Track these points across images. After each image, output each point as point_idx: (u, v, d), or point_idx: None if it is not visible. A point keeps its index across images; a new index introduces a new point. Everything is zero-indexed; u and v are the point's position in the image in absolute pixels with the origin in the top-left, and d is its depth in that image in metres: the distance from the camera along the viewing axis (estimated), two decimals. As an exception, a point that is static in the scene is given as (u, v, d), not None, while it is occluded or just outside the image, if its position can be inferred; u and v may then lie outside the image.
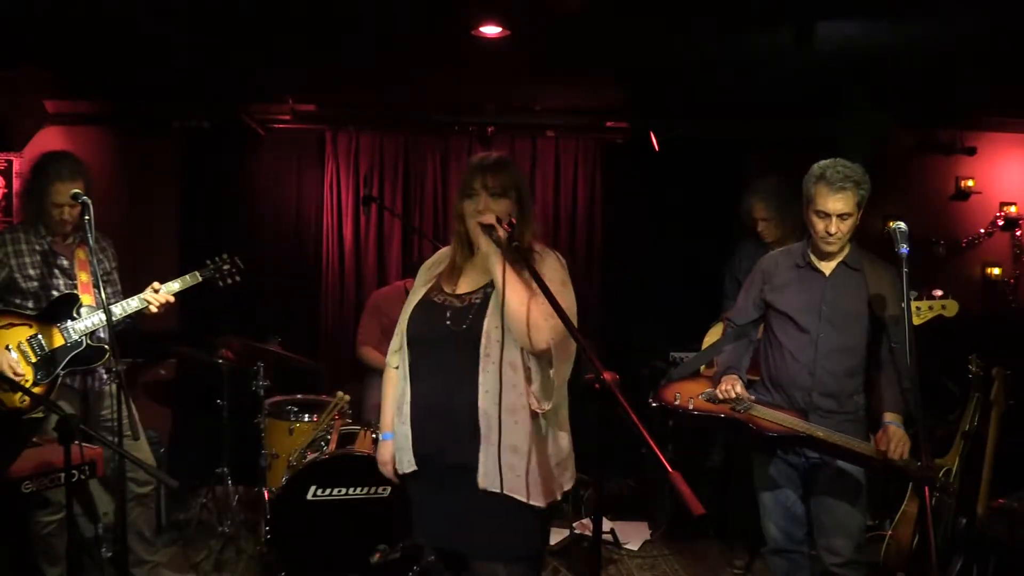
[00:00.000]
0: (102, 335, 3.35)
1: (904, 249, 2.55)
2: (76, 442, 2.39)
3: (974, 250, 5.73)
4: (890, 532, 3.57)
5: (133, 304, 3.34)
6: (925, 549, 3.27)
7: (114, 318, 3.21)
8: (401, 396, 2.41)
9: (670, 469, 1.68)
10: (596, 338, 5.51)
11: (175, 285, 3.43)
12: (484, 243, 2.29)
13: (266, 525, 3.76)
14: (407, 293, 2.57)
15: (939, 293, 3.47)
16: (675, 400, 3.01)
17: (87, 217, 3.04)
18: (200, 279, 3.52)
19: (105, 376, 3.44)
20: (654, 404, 3.05)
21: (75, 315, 3.29)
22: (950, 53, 4.10)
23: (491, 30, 3.80)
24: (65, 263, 3.37)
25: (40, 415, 3.00)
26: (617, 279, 5.66)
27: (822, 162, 2.87)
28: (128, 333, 3.43)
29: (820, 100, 4.76)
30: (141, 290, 3.38)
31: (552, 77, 4.78)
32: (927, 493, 2.56)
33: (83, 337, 3.28)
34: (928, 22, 3.69)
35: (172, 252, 5.21)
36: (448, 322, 2.33)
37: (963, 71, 4.45)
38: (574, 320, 2.19)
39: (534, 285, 2.19)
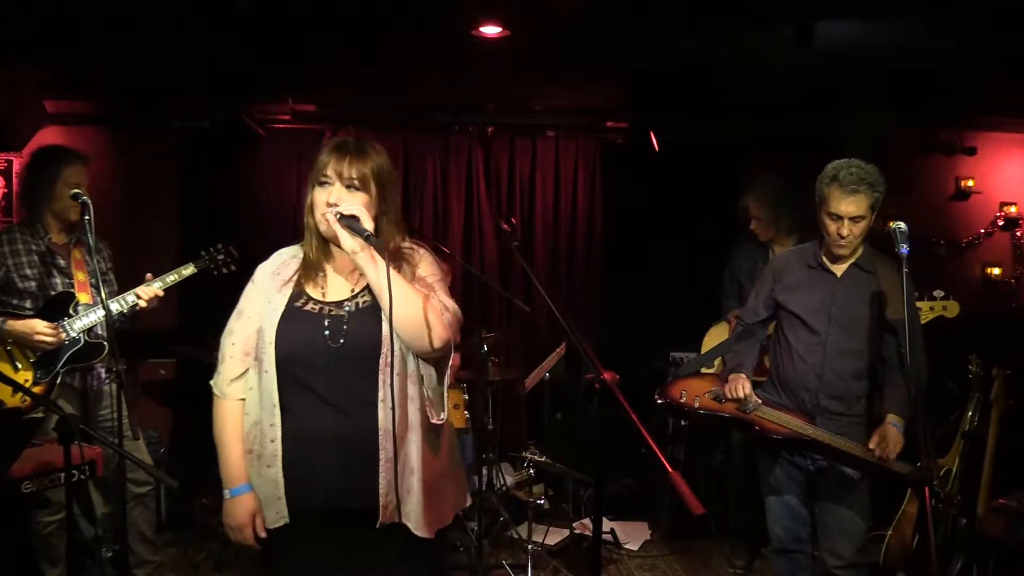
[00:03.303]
0: (100, 332, 3.35)
1: (904, 249, 2.54)
2: (76, 442, 2.39)
3: (974, 250, 5.73)
4: (890, 532, 3.58)
5: (129, 299, 3.33)
6: (925, 549, 3.27)
7: (112, 315, 3.21)
8: (256, 435, 1.99)
9: (670, 469, 1.68)
10: (596, 338, 5.52)
11: (170, 277, 3.42)
12: (348, 240, 1.94)
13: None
14: None
15: (940, 294, 3.48)
16: (680, 397, 3.00)
17: (87, 217, 3.04)
18: (195, 270, 3.51)
19: (104, 375, 3.44)
20: (660, 401, 3.05)
21: (72, 313, 3.29)
22: (950, 53, 4.10)
23: (491, 30, 3.80)
24: (62, 263, 3.37)
25: (40, 415, 2.99)
26: (617, 279, 5.66)
27: (836, 162, 2.83)
28: (127, 333, 3.43)
29: (820, 100, 4.77)
30: (140, 291, 3.38)
31: (552, 77, 4.78)
32: (927, 493, 2.56)
33: (81, 334, 3.28)
34: (928, 22, 3.69)
35: (172, 252, 5.20)
36: (327, 334, 1.96)
37: (963, 71, 4.45)
38: (456, 322, 2.06)
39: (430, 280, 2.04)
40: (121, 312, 3.32)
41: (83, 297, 3.34)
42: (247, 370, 2.04)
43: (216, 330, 2.17)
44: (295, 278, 2.06)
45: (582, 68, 4.56)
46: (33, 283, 3.29)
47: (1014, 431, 3.52)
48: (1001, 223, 5.71)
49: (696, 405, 2.98)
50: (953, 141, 5.68)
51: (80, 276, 3.38)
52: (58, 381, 3.24)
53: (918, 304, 3.39)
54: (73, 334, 3.27)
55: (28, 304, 3.29)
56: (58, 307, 3.28)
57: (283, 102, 5.25)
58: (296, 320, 1.99)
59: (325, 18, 3.68)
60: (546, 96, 5.28)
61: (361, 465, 1.94)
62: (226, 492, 2.02)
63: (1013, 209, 5.69)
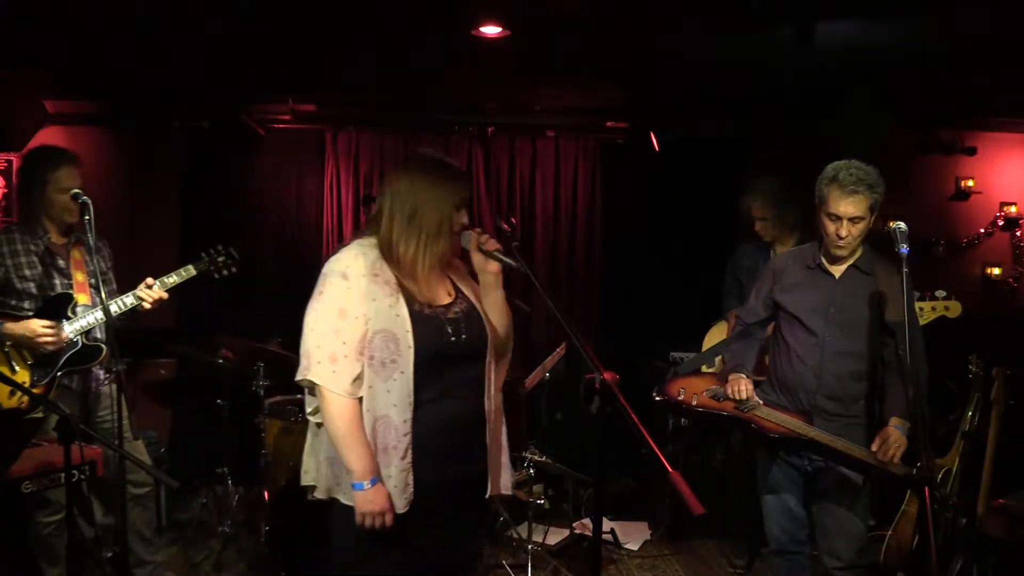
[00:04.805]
0: (98, 334, 3.34)
1: (904, 249, 2.54)
2: (76, 442, 2.39)
3: (974, 250, 5.73)
4: (890, 532, 3.58)
5: (128, 301, 3.33)
6: (925, 549, 3.27)
7: (112, 316, 3.21)
8: (383, 430, 2.15)
9: (670, 469, 1.68)
10: (596, 338, 5.52)
11: (171, 279, 3.42)
12: (486, 262, 2.31)
13: (266, 525, 3.76)
14: None
15: (942, 294, 3.47)
16: (679, 395, 3.00)
17: (87, 217, 3.04)
18: (195, 272, 3.51)
19: (103, 376, 3.44)
20: (658, 398, 3.04)
21: (70, 314, 3.28)
22: (950, 53, 4.10)
23: (491, 30, 3.80)
24: (61, 263, 3.36)
25: (40, 415, 2.99)
26: (617, 279, 5.66)
27: (836, 163, 2.82)
28: (127, 333, 3.42)
29: (820, 100, 4.77)
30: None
31: (552, 77, 4.78)
32: (927, 493, 2.56)
33: (79, 336, 3.28)
34: (928, 22, 3.69)
35: (172, 252, 5.20)
36: (452, 337, 2.24)
37: (963, 71, 4.45)
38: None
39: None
40: (121, 312, 3.32)
41: (81, 298, 3.34)
42: (362, 368, 2.15)
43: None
44: (395, 281, 2.21)
45: (582, 68, 4.56)
46: (32, 284, 3.28)
47: (1014, 431, 3.52)
48: (1001, 223, 5.71)
49: (694, 403, 2.98)
50: (953, 141, 5.68)
51: (79, 276, 3.37)
52: (56, 383, 3.23)
53: (919, 304, 3.38)
54: (71, 336, 3.26)
55: (27, 305, 3.27)
56: (56, 309, 3.27)
57: (283, 102, 5.25)
58: (424, 323, 2.20)
59: (325, 18, 3.68)
60: (546, 96, 5.28)
61: (476, 446, 2.26)
62: (365, 483, 2.12)
63: (1013, 209, 5.69)
